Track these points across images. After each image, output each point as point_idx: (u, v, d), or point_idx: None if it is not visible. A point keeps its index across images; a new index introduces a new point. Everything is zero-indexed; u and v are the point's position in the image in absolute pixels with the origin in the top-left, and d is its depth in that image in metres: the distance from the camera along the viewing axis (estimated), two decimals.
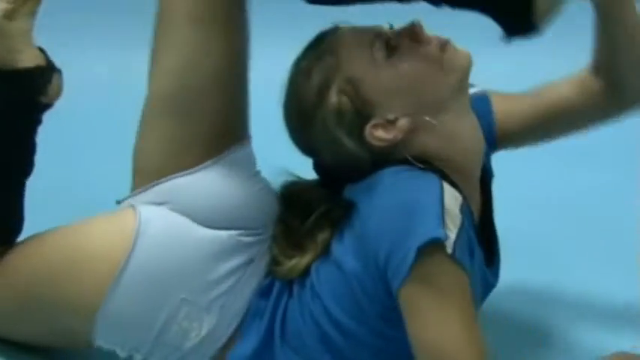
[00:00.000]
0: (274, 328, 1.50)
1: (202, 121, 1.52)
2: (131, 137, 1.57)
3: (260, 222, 1.54)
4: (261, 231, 1.54)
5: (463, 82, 1.49)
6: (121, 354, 1.53)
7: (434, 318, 1.35)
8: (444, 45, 1.47)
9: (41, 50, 1.55)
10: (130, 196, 1.57)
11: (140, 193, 1.55)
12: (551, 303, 1.88)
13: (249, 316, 1.51)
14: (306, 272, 1.50)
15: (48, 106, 1.55)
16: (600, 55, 1.64)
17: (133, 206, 1.53)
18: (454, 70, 1.47)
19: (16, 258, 1.58)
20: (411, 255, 1.34)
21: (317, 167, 1.58)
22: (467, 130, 1.51)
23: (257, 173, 1.59)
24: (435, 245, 1.35)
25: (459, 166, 1.48)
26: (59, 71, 1.54)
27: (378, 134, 1.47)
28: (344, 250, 1.46)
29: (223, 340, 1.51)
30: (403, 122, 1.46)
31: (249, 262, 1.52)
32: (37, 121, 1.57)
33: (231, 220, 1.51)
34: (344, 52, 1.48)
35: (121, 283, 1.47)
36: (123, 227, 1.50)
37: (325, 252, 1.49)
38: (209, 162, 1.53)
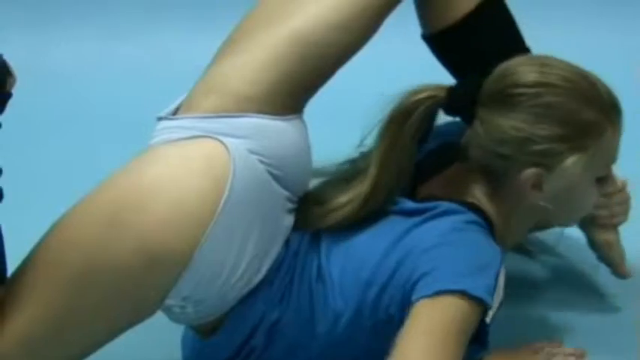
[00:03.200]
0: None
1: (316, 75, 1.53)
2: None
3: (301, 192, 1.55)
4: (297, 201, 1.55)
5: None
6: (174, 305, 1.47)
7: (423, 343, 1.35)
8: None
9: None
10: (193, 116, 1.50)
11: (214, 117, 1.49)
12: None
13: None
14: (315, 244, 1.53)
15: (8, 96, 1.39)
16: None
17: (218, 140, 1.46)
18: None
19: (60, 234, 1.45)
20: (457, 286, 1.38)
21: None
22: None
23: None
24: (478, 303, 1.40)
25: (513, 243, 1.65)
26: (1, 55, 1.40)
27: (526, 176, 1.51)
28: (375, 248, 1.49)
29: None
30: (538, 196, 1.53)
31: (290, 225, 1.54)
32: None
33: (292, 181, 1.51)
34: (603, 142, 1.52)
35: (217, 227, 1.42)
36: (213, 165, 1.44)
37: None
38: (292, 116, 1.53)
